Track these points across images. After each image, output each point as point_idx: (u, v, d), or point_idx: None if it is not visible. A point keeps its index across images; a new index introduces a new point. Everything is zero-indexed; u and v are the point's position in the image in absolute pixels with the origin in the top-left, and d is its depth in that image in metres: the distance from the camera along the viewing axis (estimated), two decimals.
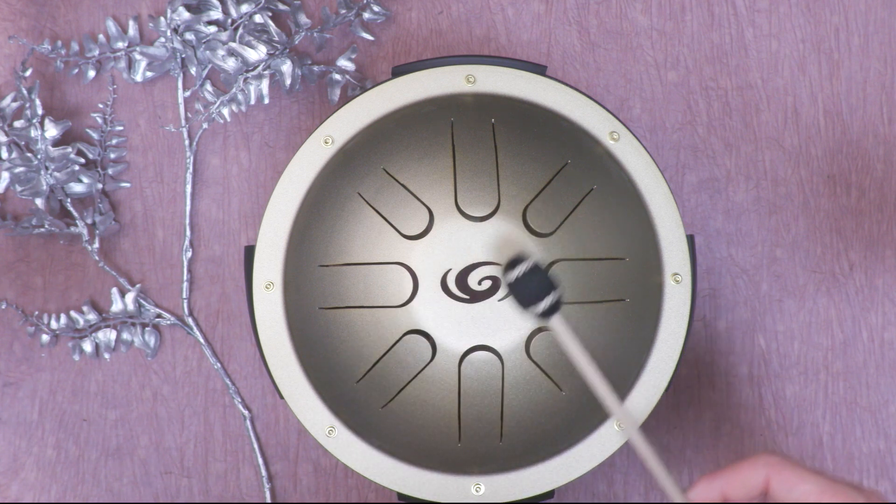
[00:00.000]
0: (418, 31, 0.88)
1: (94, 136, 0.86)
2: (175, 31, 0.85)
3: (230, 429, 0.86)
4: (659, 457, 0.68)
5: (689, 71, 0.88)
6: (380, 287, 0.80)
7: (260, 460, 0.85)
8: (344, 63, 0.87)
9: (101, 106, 0.87)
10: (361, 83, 0.87)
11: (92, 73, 0.87)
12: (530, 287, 0.71)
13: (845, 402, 0.86)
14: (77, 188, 0.85)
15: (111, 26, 0.86)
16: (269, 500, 0.85)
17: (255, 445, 0.85)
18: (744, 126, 0.87)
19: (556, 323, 0.71)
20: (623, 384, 0.75)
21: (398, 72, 0.77)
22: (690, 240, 0.75)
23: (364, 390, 0.78)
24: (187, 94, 0.87)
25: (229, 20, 0.85)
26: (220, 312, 0.87)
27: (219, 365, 0.86)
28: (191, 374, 0.86)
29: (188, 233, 0.86)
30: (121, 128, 0.87)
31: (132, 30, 0.87)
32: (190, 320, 0.86)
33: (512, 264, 0.72)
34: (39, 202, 0.85)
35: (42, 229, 0.84)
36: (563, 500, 0.85)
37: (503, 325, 0.80)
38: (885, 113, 0.87)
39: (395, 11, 0.88)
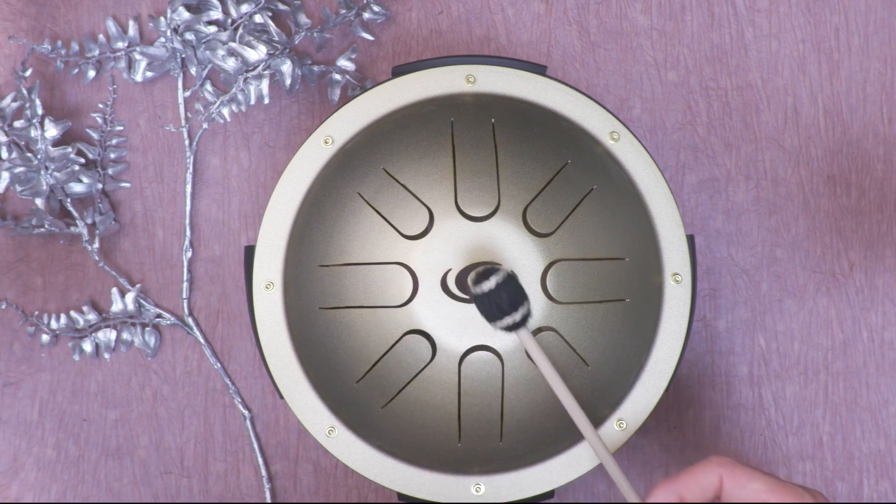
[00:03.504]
0: (418, 31, 0.88)
1: (94, 136, 0.86)
2: (175, 31, 0.85)
3: (230, 429, 0.86)
4: (617, 464, 0.71)
5: (689, 71, 0.88)
6: (380, 287, 0.80)
7: (260, 460, 0.85)
8: (344, 63, 0.87)
9: (101, 106, 0.87)
10: (361, 83, 0.87)
11: (92, 73, 0.87)
12: (501, 299, 0.72)
13: (845, 402, 0.86)
14: (77, 188, 0.85)
15: (111, 26, 0.86)
16: (269, 500, 0.85)
17: (255, 445, 0.85)
18: (744, 126, 0.87)
19: (523, 334, 0.73)
20: (623, 384, 0.75)
21: (398, 72, 0.77)
22: (690, 240, 0.75)
23: (364, 390, 0.78)
24: (187, 94, 0.87)
25: (229, 20, 0.85)
26: (220, 312, 0.87)
27: (219, 365, 0.86)
28: (191, 374, 0.86)
29: (188, 233, 0.86)
30: (121, 128, 0.87)
31: (132, 30, 0.87)
32: (190, 320, 0.86)
33: (482, 276, 0.73)
34: (39, 202, 0.85)
35: (42, 229, 0.84)
36: (563, 500, 0.85)
37: None
38: (885, 113, 0.87)
39: (395, 11, 0.88)
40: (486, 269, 0.73)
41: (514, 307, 0.72)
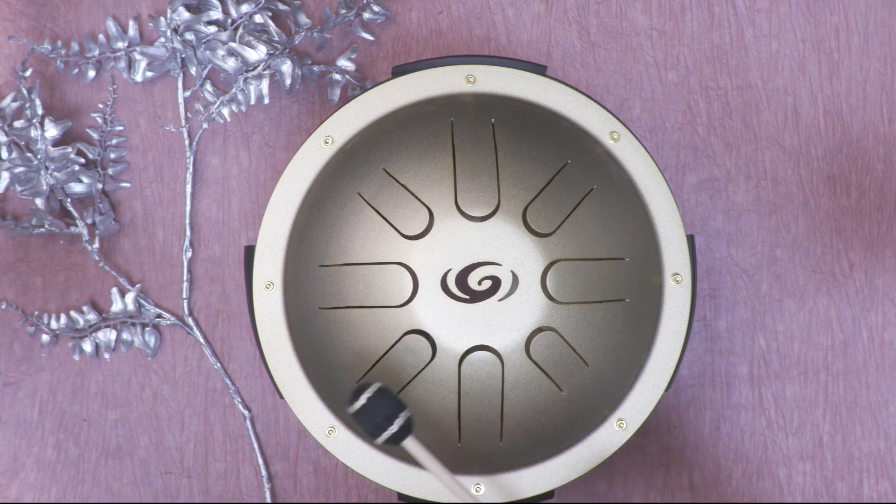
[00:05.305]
0: (418, 31, 0.88)
1: (94, 136, 0.86)
2: (175, 31, 0.84)
3: (230, 429, 0.86)
4: None
5: (689, 71, 0.88)
6: (380, 287, 0.80)
7: (260, 460, 0.85)
8: (344, 63, 0.87)
9: (101, 106, 0.87)
10: (361, 83, 0.87)
11: (92, 73, 0.87)
12: (376, 414, 0.71)
13: (845, 402, 0.86)
14: (77, 188, 0.85)
15: (111, 26, 0.86)
16: (269, 500, 0.85)
17: (255, 445, 0.85)
18: (744, 126, 0.87)
19: (409, 443, 0.72)
20: (623, 384, 0.75)
21: (398, 72, 0.77)
22: (690, 240, 0.75)
23: None
24: (187, 94, 0.87)
25: (229, 20, 0.85)
26: (220, 312, 0.87)
27: (219, 365, 0.86)
28: (191, 374, 0.86)
29: (188, 233, 0.86)
30: (121, 128, 0.87)
31: (132, 30, 0.87)
32: (190, 320, 0.86)
33: (355, 395, 0.72)
34: (39, 202, 0.85)
35: (42, 229, 0.84)
36: (563, 500, 0.85)
37: (503, 325, 0.80)
38: (885, 113, 0.87)
39: (395, 11, 0.88)
40: (358, 387, 0.72)
41: (390, 420, 0.71)
